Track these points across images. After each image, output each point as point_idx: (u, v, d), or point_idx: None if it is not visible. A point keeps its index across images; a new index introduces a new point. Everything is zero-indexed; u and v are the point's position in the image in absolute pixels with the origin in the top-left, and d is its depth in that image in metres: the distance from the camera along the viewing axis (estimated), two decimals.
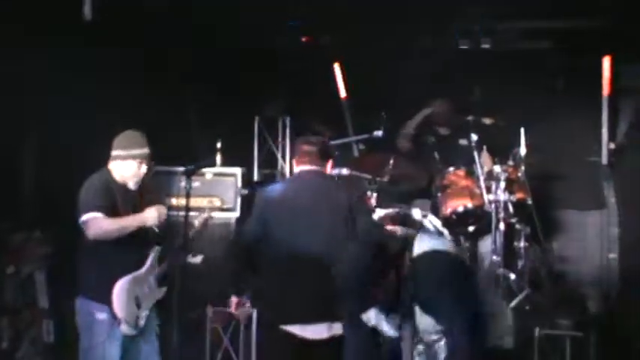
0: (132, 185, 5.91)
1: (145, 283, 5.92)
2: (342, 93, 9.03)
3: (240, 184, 8.32)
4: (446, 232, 7.72)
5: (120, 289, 5.74)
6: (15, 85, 7.05)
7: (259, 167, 9.62)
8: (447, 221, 7.97)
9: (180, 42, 8.31)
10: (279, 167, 9.77)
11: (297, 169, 6.05)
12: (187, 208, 5.77)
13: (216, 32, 8.49)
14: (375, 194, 7.90)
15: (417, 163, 8.49)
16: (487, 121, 8.07)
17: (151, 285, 5.96)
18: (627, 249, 8.51)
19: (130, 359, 5.90)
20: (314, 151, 5.95)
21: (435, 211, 8.16)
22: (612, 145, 8.58)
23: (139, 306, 5.86)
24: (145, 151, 5.88)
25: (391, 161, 8.06)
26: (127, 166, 5.86)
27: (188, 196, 5.77)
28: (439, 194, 8.18)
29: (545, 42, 8.82)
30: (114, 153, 5.88)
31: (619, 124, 8.75)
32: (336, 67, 9.02)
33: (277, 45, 9.03)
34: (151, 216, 5.83)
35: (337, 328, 5.52)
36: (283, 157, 9.77)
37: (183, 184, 5.89)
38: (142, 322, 5.85)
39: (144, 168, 5.90)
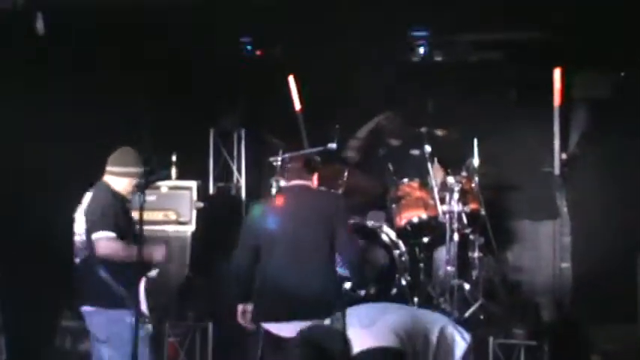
0: (130, 199, 6.03)
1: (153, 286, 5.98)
2: (297, 105, 9.04)
3: (195, 197, 8.31)
4: (400, 243, 7.89)
5: (143, 289, 5.80)
6: None
7: (215, 180, 9.63)
8: (401, 232, 8.04)
9: (134, 56, 8.27)
10: (234, 180, 9.77)
11: (286, 185, 6.44)
12: (141, 222, 5.73)
13: (171, 45, 8.46)
14: None
15: (371, 175, 8.55)
16: (440, 132, 8.13)
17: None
18: (579, 258, 8.59)
19: None
20: (298, 167, 6.27)
21: (390, 222, 8.21)
22: (564, 156, 8.67)
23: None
24: (140, 169, 5.97)
25: (345, 173, 8.11)
26: (122, 182, 5.96)
27: (142, 209, 5.73)
28: (393, 205, 8.22)
29: (497, 54, 8.89)
30: (111, 169, 5.98)
31: (571, 135, 8.84)
32: (291, 79, 9.03)
33: (231, 58, 9.02)
34: (158, 254, 5.95)
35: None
36: (239, 170, 9.78)
37: (136, 197, 5.89)
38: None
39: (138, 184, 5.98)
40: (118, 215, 5.83)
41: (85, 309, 5.91)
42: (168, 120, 8.83)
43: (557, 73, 8.43)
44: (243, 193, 9.70)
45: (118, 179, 5.95)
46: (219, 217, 8.71)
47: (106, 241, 5.71)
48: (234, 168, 9.77)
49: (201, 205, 8.31)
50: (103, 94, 7.88)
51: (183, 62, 8.70)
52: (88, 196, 5.94)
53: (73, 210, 6.00)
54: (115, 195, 5.93)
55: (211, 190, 9.55)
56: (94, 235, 5.74)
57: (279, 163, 7.96)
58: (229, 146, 9.77)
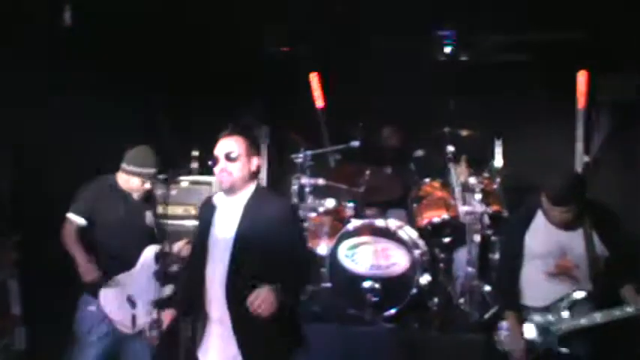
0: (135, 196, 6.06)
1: (137, 283, 5.96)
2: (319, 103, 9.01)
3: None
4: (421, 242, 7.84)
5: (105, 298, 5.88)
6: None
7: None
8: (422, 232, 8.00)
9: (156, 51, 8.27)
10: None
11: None
12: (165, 216, 5.76)
13: (195, 39, 8.46)
14: (351, 205, 7.96)
15: (393, 174, 8.51)
16: (464, 132, 8.10)
17: (145, 284, 5.92)
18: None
19: (123, 357, 6.09)
20: None
21: (411, 221, 8.17)
22: (587, 158, 8.60)
23: (133, 305, 5.92)
24: (151, 171, 6.00)
25: (367, 172, 8.08)
26: (132, 181, 6.01)
27: (166, 204, 5.76)
28: (415, 205, 8.19)
29: (522, 55, 8.85)
30: (123, 165, 6.02)
31: (594, 138, 8.78)
32: (313, 76, 9.00)
33: (256, 54, 9.00)
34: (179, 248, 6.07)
35: None
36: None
37: (159, 192, 5.89)
38: (141, 321, 5.87)
39: (147, 185, 6.03)
40: (90, 204, 5.90)
41: None
42: (191, 115, 8.83)
43: (581, 75, 8.38)
44: None
45: (129, 177, 5.99)
46: None
47: (65, 223, 5.89)
48: None
49: None
50: (124, 89, 7.87)
51: (205, 57, 8.68)
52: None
53: None
54: (115, 188, 6.00)
55: None
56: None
57: (301, 160, 7.94)
58: None
